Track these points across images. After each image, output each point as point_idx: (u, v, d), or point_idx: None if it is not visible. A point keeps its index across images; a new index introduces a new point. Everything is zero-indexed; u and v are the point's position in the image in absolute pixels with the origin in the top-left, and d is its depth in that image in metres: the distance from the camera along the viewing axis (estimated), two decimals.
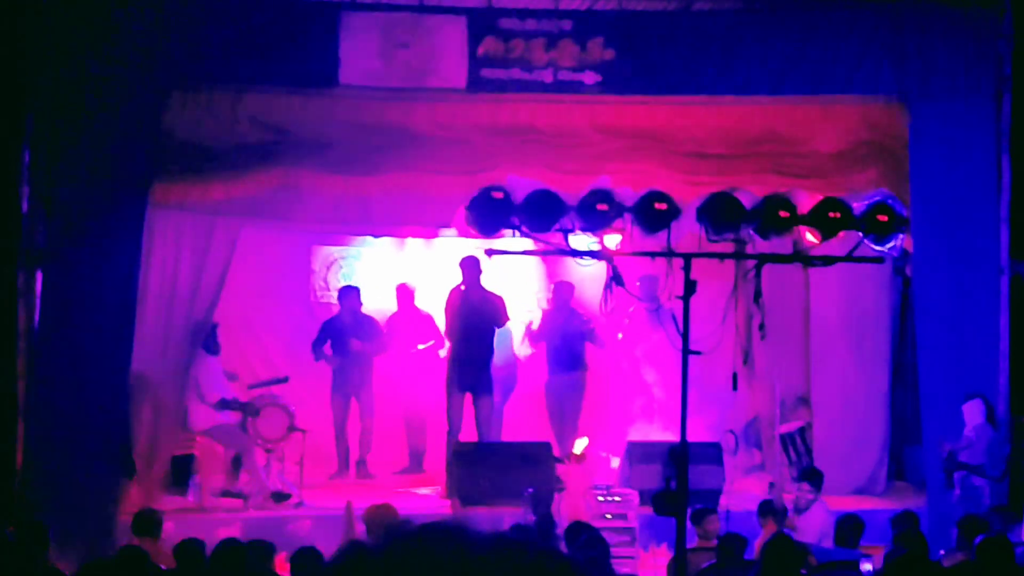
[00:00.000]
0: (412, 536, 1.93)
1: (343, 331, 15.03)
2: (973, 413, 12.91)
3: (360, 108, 12.72)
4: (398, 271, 15.90)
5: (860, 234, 10.06)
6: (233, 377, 14.29)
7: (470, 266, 14.54)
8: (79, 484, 12.06)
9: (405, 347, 15.34)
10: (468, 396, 14.56)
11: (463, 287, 14.68)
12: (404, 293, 15.58)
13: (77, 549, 10.97)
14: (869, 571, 9.54)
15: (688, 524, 10.06)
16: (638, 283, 13.93)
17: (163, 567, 9.79)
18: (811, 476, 12.48)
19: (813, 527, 11.84)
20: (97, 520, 12.04)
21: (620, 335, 15.22)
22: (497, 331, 14.73)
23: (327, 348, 15.06)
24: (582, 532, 10.88)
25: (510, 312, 14.88)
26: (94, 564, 8.25)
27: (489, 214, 9.92)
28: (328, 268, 15.94)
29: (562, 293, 15.21)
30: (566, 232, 9.97)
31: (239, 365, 14.71)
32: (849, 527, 10.73)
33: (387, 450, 15.33)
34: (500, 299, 14.81)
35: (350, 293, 15.33)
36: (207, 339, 13.67)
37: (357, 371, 15.06)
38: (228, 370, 14.19)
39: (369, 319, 15.25)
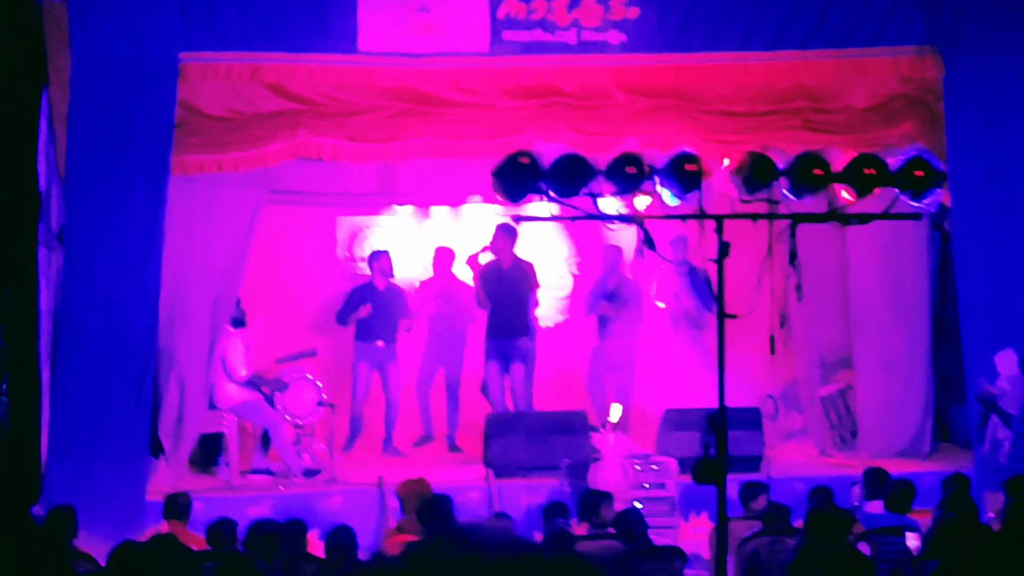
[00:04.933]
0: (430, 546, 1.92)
1: (374, 300, 14.75)
2: (1007, 363, 12.70)
3: (380, 74, 12.51)
4: (424, 240, 15.67)
5: (896, 190, 9.84)
6: None
7: (505, 233, 14.38)
8: (106, 466, 11.92)
9: (438, 315, 15.05)
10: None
11: (492, 254, 14.55)
12: (443, 257, 15.26)
13: (105, 532, 10.81)
14: (917, 546, 9.34)
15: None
16: (669, 244, 13.82)
17: (194, 548, 9.68)
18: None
19: None
20: (125, 502, 11.90)
21: (661, 303, 15.01)
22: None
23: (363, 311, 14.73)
24: (601, 504, 10.67)
25: (540, 279, 14.78)
26: (124, 548, 8.08)
27: (516, 180, 9.71)
28: (353, 238, 15.72)
29: (611, 257, 14.95)
30: (595, 196, 9.77)
31: (267, 340, 14.52)
32: (900, 492, 10.52)
33: (410, 424, 15.11)
34: (531, 265, 14.68)
35: (380, 257, 15.00)
36: (233, 313, 13.48)
37: (386, 342, 14.80)
38: (254, 348, 13.99)
39: (399, 291, 15.00)
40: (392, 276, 14.92)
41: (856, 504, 11.22)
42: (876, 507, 10.74)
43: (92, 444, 11.93)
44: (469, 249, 15.00)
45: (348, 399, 14.65)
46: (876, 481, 11.81)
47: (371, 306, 14.63)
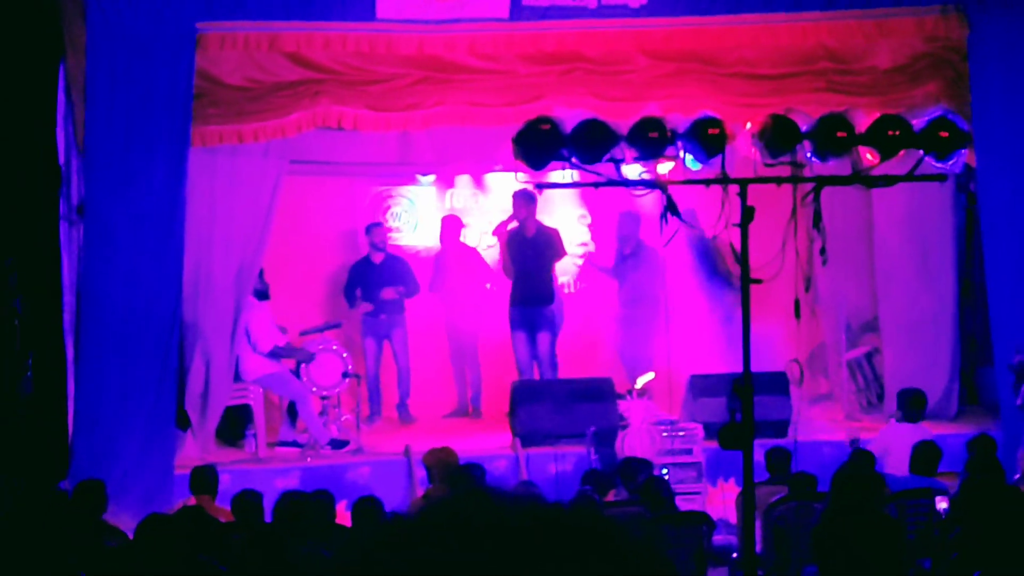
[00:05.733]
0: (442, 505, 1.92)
1: (372, 274, 14.75)
2: None
3: (399, 42, 12.43)
4: (449, 209, 15.63)
5: (921, 152, 9.78)
6: (282, 330, 14.09)
7: (524, 200, 14.32)
8: (133, 439, 11.92)
9: (453, 284, 15.05)
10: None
11: (516, 222, 14.50)
12: (451, 226, 15.24)
13: (133, 506, 10.83)
14: (944, 509, 9.29)
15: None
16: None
17: (222, 520, 9.69)
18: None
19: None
20: (153, 476, 11.90)
21: None
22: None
23: (359, 294, 14.75)
24: (640, 472, 10.72)
25: (566, 245, 14.75)
26: (152, 521, 8.10)
27: (537, 147, 9.66)
28: (378, 208, 15.68)
29: (627, 222, 14.88)
30: (617, 163, 9.72)
31: (290, 311, 14.52)
32: (926, 454, 10.48)
33: (432, 392, 15.09)
34: (556, 232, 14.61)
35: (374, 231, 14.98)
36: (256, 285, 13.47)
37: (387, 313, 14.78)
38: (277, 320, 13.97)
39: (399, 259, 14.97)
40: (385, 249, 14.87)
41: None
42: (902, 468, 10.72)
43: (118, 418, 11.92)
44: (492, 219, 14.97)
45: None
46: (909, 402, 11.93)
47: (371, 305, 14.62)
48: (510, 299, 14.60)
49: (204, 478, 10.71)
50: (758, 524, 9.72)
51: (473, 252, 15.28)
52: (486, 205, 15.53)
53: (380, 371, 14.80)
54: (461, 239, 15.29)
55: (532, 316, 14.50)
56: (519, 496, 1.92)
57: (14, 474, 11.35)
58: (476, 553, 1.82)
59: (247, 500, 9.86)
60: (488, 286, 15.13)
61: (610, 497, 10.82)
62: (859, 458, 10.63)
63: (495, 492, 1.92)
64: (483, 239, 15.30)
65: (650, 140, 9.62)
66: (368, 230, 14.97)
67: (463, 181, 15.69)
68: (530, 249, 14.46)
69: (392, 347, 14.82)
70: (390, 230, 15.31)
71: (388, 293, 14.65)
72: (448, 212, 15.42)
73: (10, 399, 11.79)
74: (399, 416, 14.70)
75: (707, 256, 14.42)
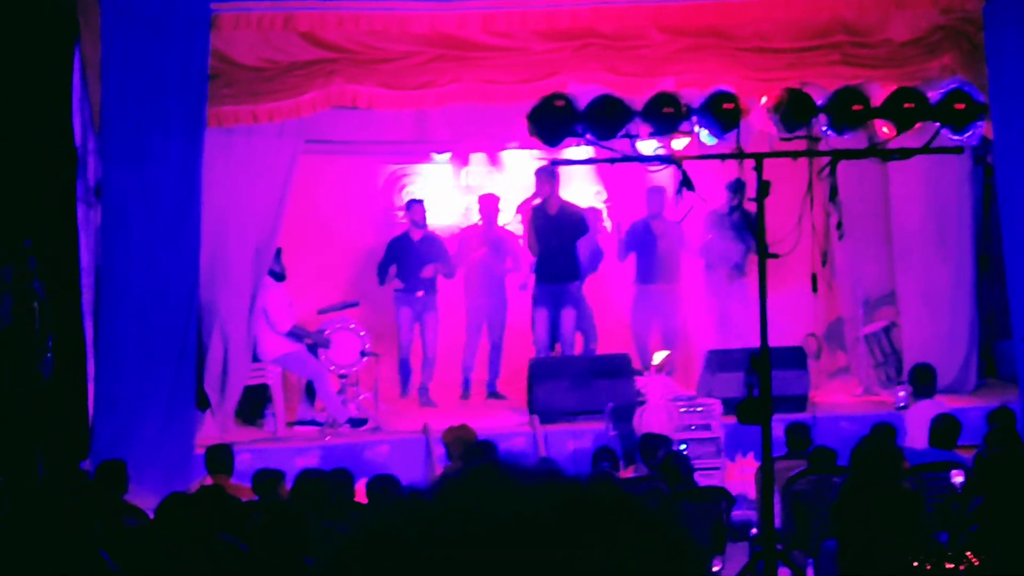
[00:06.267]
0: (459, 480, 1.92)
1: (411, 251, 14.73)
2: None
3: (413, 20, 12.43)
4: (465, 188, 15.60)
5: (937, 124, 9.77)
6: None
7: (546, 177, 14.29)
8: (153, 420, 11.97)
9: (486, 263, 14.96)
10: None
11: (538, 200, 14.46)
12: (490, 204, 15.19)
13: (154, 486, 10.87)
14: (960, 483, 9.28)
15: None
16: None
17: (242, 499, 9.73)
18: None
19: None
20: (173, 455, 11.94)
21: None
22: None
23: (393, 271, 14.72)
24: (660, 447, 10.75)
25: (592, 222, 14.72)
26: (172, 501, 8.13)
27: (552, 123, 9.67)
28: (393, 187, 15.67)
29: (655, 199, 14.82)
30: (632, 138, 9.72)
31: (307, 291, 14.51)
32: (945, 428, 10.46)
33: (452, 373, 15.03)
34: (579, 209, 14.58)
35: (414, 207, 14.97)
36: (272, 265, 13.47)
37: (425, 291, 14.76)
38: (294, 300, 13.96)
39: (436, 238, 14.91)
40: (425, 225, 14.82)
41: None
42: (921, 440, 10.72)
43: (138, 399, 11.96)
44: (515, 197, 14.93)
45: (391, 348, 14.61)
46: (921, 378, 11.90)
47: (402, 283, 14.57)
48: (535, 276, 14.58)
49: (219, 457, 10.74)
50: (777, 499, 9.72)
51: (507, 233, 15.15)
52: (501, 182, 15.48)
53: (412, 344, 14.72)
54: (496, 217, 15.16)
55: (556, 293, 14.47)
56: (535, 470, 1.91)
57: (36, 455, 11.40)
58: (491, 529, 1.81)
59: (266, 478, 9.90)
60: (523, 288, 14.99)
61: (630, 473, 10.84)
62: (879, 432, 10.61)
63: (510, 466, 1.91)
64: (499, 216, 15.25)
65: (665, 115, 9.63)
66: (409, 207, 14.88)
67: (478, 159, 15.65)
68: (553, 226, 14.42)
69: (422, 331, 14.73)
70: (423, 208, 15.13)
71: (428, 271, 14.58)
72: (486, 191, 15.24)
73: (30, 380, 11.83)
74: (420, 400, 14.64)
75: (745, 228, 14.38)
